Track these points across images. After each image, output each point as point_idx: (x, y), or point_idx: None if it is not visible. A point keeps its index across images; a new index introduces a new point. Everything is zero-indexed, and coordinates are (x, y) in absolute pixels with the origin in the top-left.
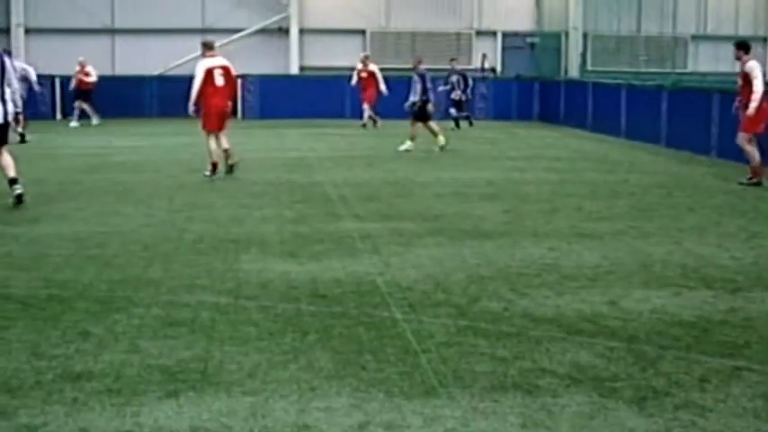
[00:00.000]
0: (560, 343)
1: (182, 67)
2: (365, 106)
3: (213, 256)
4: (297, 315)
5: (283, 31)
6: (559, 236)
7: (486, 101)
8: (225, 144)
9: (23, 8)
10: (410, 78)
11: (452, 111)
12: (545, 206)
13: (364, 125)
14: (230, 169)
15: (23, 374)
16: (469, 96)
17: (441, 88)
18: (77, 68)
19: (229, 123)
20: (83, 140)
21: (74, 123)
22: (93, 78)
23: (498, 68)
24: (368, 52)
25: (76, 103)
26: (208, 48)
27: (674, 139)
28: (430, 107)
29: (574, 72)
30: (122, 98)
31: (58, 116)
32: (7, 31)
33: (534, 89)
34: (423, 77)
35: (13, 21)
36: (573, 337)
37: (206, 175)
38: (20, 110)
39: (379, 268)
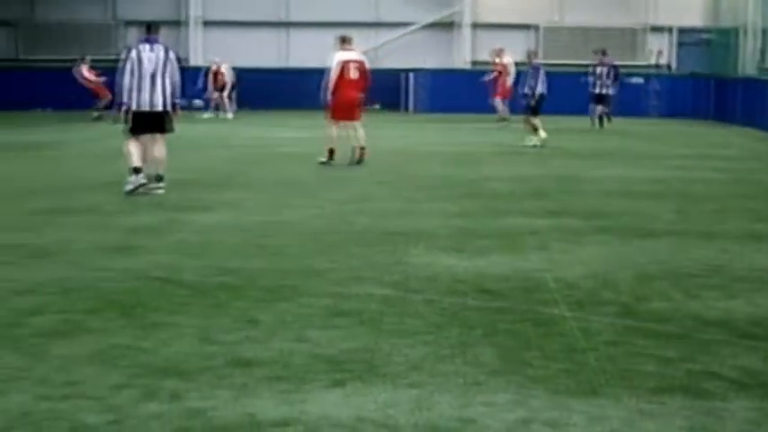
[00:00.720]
0: (729, 347)
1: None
2: (497, 101)
3: (381, 249)
4: (463, 309)
5: (455, 26)
6: (730, 237)
7: (659, 98)
8: (358, 134)
9: (202, 2)
10: (586, 73)
11: (596, 107)
12: (715, 206)
13: (504, 119)
14: (360, 160)
15: (194, 359)
16: (612, 92)
17: (585, 80)
18: (213, 67)
19: (361, 115)
20: (253, 131)
21: (216, 113)
22: (226, 77)
23: (673, 65)
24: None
25: (215, 95)
26: (345, 42)
27: None
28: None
29: (751, 69)
30: (295, 90)
31: (234, 107)
32: (186, 23)
33: (709, 86)
34: (537, 71)
35: (192, 13)
36: (743, 341)
37: (321, 162)
38: (179, 101)
39: (546, 265)
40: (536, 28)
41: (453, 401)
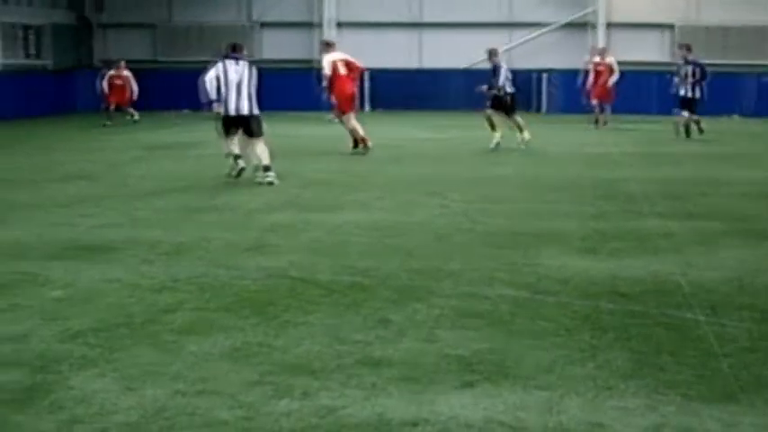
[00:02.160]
0: None
1: (487, 61)
2: (594, 101)
3: (513, 250)
4: (595, 312)
5: (588, 26)
6: None
7: None
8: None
9: (336, 3)
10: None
11: (681, 111)
12: None
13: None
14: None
15: (325, 357)
16: (699, 95)
17: (675, 80)
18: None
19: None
20: (385, 132)
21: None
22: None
23: None
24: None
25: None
26: (330, 46)
27: None
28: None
29: None
30: (427, 91)
31: (367, 108)
32: (320, 25)
33: None
34: (496, 68)
35: (326, 15)
36: None
37: (356, 150)
38: None
39: (681, 268)
40: (671, 27)
41: (584, 405)
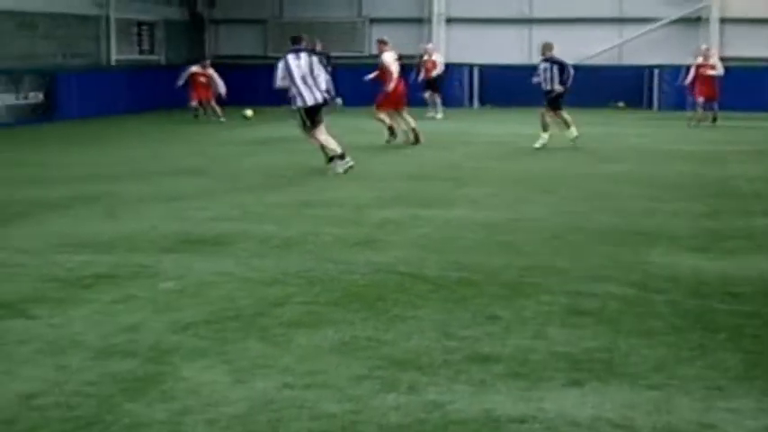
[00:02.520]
0: None
1: (598, 57)
2: (700, 99)
3: (621, 248)
4: (706, 312)
5: (701, 21)
6: None
7: None
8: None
9: None
10: None
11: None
12: None
13: (714, 119)
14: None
15: (433, 353)
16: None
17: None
18: (424, 57)
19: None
20: (495, 128)
21: (431, 114)
22: (439, 68)
23: None
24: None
25: (427, 94)
26: (384, 44)
27: None
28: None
29: None
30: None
31: (476, 104)
32: (429, 20)
33: None
34: (561, 65)
35: (435, 11)
36: None
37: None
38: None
39: None
40: None
41: (693, 405)
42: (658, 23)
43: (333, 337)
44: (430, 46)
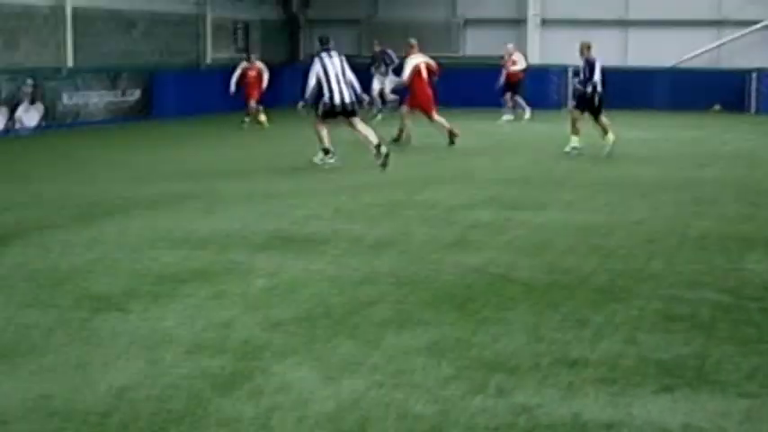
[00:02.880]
0: None
1: (695, 60)
2: None
3: (717, 253)
4: None
5: None
6: None
7: None
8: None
9: (541, 0)
10: None
11: None
12: None
13: None
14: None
15: (522, 355)
16: None
17: None
18: (505, 58)
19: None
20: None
21: (507, 116)
22: (520, 67)
23: None
24: None
25: (507, 96)
26: (411, 47)
27: None
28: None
29: None
30: (631, 90)
31: (569, 106)
32: (524, 22)
33: None
34: (590, 64)
35: (530, 12)
36: None
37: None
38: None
39: None
40: None
41: None
42: (757, 26)
43: (422, 337)
44: (510, 46)
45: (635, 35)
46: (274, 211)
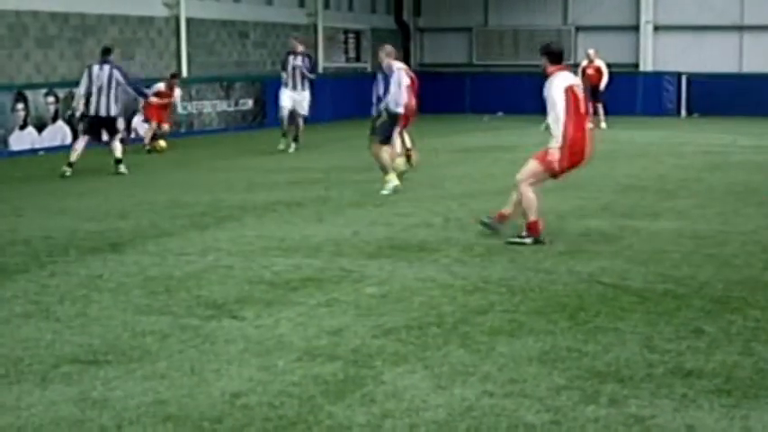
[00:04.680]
0: None
1: None
2: None
3: None
4: None
5: None
6: None
7: None
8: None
9: (653, 6)
10: None
11: None
12: None
13: None
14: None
15: (635, 365)
16: None
17: None
18: (584, 62)
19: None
20: (705, 138)
21: (602, 125)
22: (604, 75)
23: None
24: None
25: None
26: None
27: None
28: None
29: None
30: (748, 97)
31: (683, 113)
32: (637, 28)
33: None
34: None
35: (643, 18)
36: None
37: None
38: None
39: None
40: None
41: None
42: None
43: (534, 346)
44: (591, 51)
45: (750, 40)
46: (385, 219)
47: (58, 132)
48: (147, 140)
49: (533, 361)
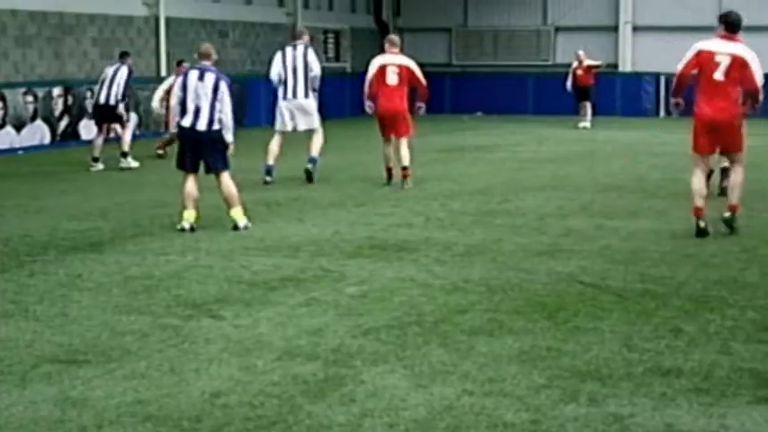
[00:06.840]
0: None
1: None
2: None
3: None
4: None
5: None
6: None
7: None
8: (401, 152)
9: (632, 6)
10: None
11: None
12: None
13: None
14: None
15: (614, 365)
16: None
17: None
18: (575, 64)
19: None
20: (684, 138)
21: (583, 124)
22: (592, 72)
23: None
24: None
25: (582, 103)
26: (391, 45)
27: None
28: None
29: None
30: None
31: (662, 114)
32: (616, 28)
33: None
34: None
35: (622, 19)
36: None
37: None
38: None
39: None
40: None
41: None
42: None
43: (513, 345)
44: (581, 53)
45: None
46: (365, 219)
47: (37, 132)
48: (160, 145)
49: (513, 360)
